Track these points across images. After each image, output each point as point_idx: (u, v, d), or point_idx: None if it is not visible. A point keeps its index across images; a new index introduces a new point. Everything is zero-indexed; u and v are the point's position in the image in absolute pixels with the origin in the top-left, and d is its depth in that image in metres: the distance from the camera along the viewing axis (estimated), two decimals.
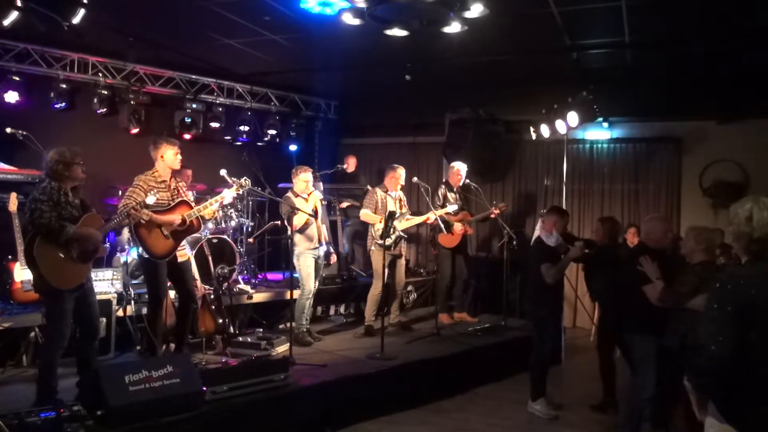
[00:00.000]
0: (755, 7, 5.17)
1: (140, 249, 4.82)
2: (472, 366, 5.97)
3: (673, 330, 4.11)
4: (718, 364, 2.34)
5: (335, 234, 8.18)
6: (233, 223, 7.37)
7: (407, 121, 9.57)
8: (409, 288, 8.01)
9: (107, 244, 4.91)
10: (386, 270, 6.43)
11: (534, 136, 7.99)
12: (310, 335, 6.15)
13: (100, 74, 7.46)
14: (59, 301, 4.11)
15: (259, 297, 6.84)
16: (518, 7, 5.40)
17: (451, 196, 7.23)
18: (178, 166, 5.05)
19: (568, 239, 5.30)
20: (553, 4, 5.25)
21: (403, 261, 6.82)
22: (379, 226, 6.44)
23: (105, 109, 7.44)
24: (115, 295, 5.60)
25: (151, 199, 4.71)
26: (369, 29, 5.25)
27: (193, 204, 5.07)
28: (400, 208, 6.72)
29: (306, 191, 6.10)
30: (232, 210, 7.30)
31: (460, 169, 7.32)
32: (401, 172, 6.68)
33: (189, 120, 8.24)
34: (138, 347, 5.57)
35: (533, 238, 5.54)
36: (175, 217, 4.84)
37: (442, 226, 6.73)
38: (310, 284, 6.06)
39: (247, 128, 8.81)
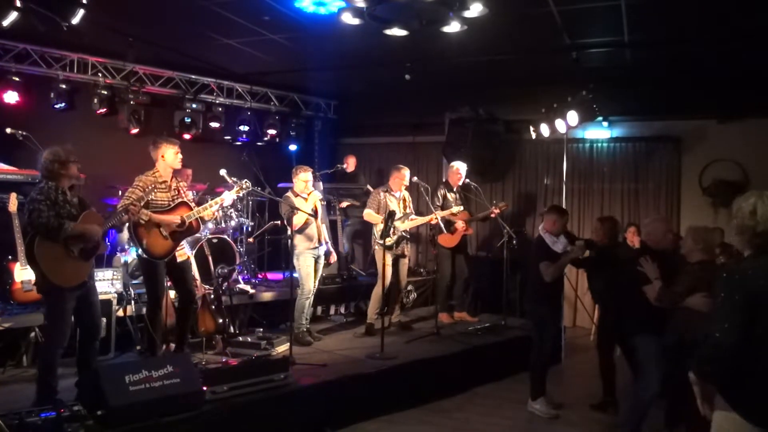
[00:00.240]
0: (755, 7, 5.17)
1: (139, 249, 4.82)
2: (472, 365, 5.97)
3: (671, 329, 4.14)
4: (722, 351, 2.35)
5: (335, 234, 8.18)
6: (233, 223, 7.37)
7: (407, 120, 9.57)
8: (410, 287, 8.01)
9: (108, 244, 4.92)
10: (389, 269, 6.43)
11: (534, 136, 7.99)
12: (310, 335, 6.15)
13: (100, 74, 7.47)
14: (61, 301, 4.12)
15: (259, 297, 6.84)
16: (518, 7, 5.40)
17: (450, 195, 7.23)
18: (179, 166, 5.05)
19: (568, 239, 5.30)
20: (553, 3, 5.24)
21: (406, 261, 6.82)
22: (381, 226, 6.46)
23: (105, 109, 7.45)
24: (116, 295, 5.60)
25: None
26: (368, 29, 5.26)
27: (193, 205, 5.07)
28: (404, 208, 6.72)
29: (306, 191, 6.10)
30: (232, 210, 7.30)
31: (459, 168, 7.32)
32: (406, 172, 6.67)
33: (189, 120, 8.25)
34: (138, 347, 5.57)
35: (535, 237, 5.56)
36: (174, 218, 4.84)
37: (443, 226, 6.73)
38: (310, 284, 6.06)
39: (246, 128, 8.81)
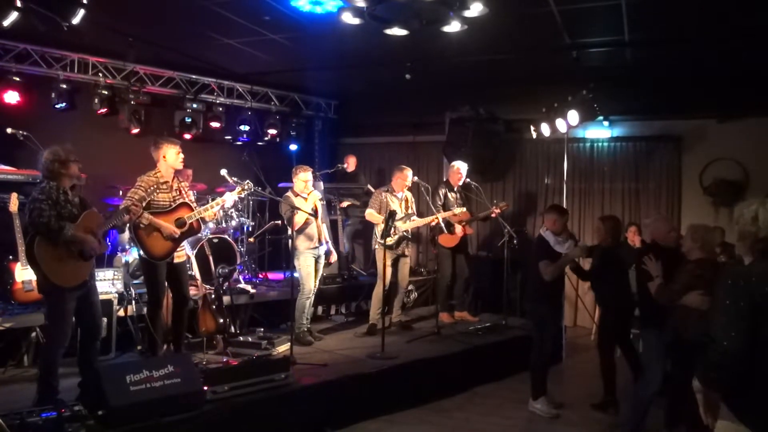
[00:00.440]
0: (755, 6, 5.16)
1: (140, 250, 4.82)
2: (473, 365, 5.96)
3: (669, 327, 4.17)
4: (731, 358, 2.35)
5: (336, 233, 8.19)
6: (234, 223, 7.38)
7: (407, 120, 9.57)
8: (410, 287, 8.01)
9: (108, 244, 4.92)
10: (390, 269, 6.44)
11: (534, 135, 7.99)
12: (310, 335, 6.15)
13: (100, 74, 7.48)
14: (61, 301, 4.12)
15: (259, 297, 6.85)
16: (518, 6, 5.39)
17: (451, 195, 7.23)
18: (180, 166, 5.05)
19: (573, 241, 5.32)
20: (553, 2, 5.24)
21: (407, 261, 6.82)
22: (382, 226, 6.47)
23: (105, 109, 7.46)
24: (116, 295, 5.61)
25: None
26: (369, 28, 5.25)
27: (194, 206, 5.07)
28: (406, 209, 6.72)
29: (305, 190, 6.10)
30: (232, 210, 7.31)
31: (460, 168, 7.32)
32: (408, 173, 6.67)
33: (189, 120, 8.26)
34: (139, 347, 5.58)
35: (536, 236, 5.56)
36: (173, 229, 4.84)
37: (443, 226, 6.73)
38: (310, 284, 6.06)
39: (247, 128, 8.82)
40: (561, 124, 7.33)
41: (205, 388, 4.07)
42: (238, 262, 7.09)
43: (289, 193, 6.09)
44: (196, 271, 6.12)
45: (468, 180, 7.34)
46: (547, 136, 7.81)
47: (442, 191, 7.21)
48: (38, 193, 4.06)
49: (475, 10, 4.78)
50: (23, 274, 5.15)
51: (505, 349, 6.36)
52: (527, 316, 5.84)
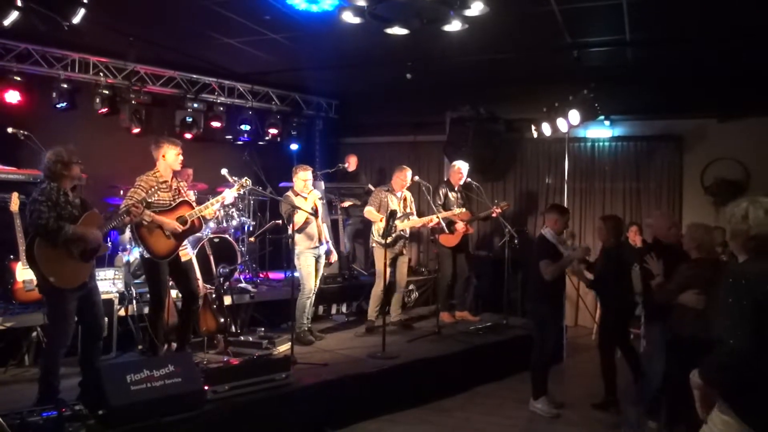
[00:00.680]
0: (756, 6, 5.16)
1: (142, 249, 4.82)
2: (474, 365, 5.96)
3: (668, 325, 4.19)
4: (738, 358, 2.35)
5: (337, 233, 8.19)
6: (234, 223, 7.38)
7: (408, 119, 9.57)
8: (411, 287, 8.01)
9: (109, 244, 4.92)
10: (388, 268, 6.43)
11: (535, 135, 7.99)
12: (311, 334, 6.15)
13: (101, 74, 7.48)
14: (62, 301, 4.11)
15: (260, 296, 6.85)
16: (519, 5, 5.39)
17: (452, 195, 7.22)
18: (179, 167, 5.05)
19: None
20: (554, 2, 5.24)
21: (405, 259, 6.82)
22: (380, 225, 6.47)
23: (106, 109, 7.46)
24: (117, 295, 5.61)
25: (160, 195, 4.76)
26: (369, 28, 5.26)
27: (194, 204, 5.07)
28: (404, 208, 6.72)
29: (305, 190, 6.10)
30: (233, 209, 7.31)
31: (461, 168, 7.31)
32: (408, 173, 6.69)
33: (190, 119, 8.26)
34: (140, 347, 5.57)
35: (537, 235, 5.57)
36: (176, 225, 4.84)
37: (444, 225, 6.72)
38: (311, 283, 6.06)
39: (248, 127, 8.82)
40: (562, 124, 7.33)
41: (206, 387, 4.06)
42: (239, 261, 7.10)
43: (290, 193, 6.09)
44: (197, 271, 6.11)
45: (469, 180, 7.34)
46: (548, 135, 7.80)
47: (442, 191, 7.21)
48: (38, 194, 4.05)
49: (475, 9, 4.78)
50: (24, 273, 5.15)
51: (506, 349, 6.36)
52: (528, 316, 5.83)
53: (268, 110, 9.19)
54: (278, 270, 8.17)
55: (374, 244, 6.66)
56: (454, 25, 5.07)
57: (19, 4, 4.40)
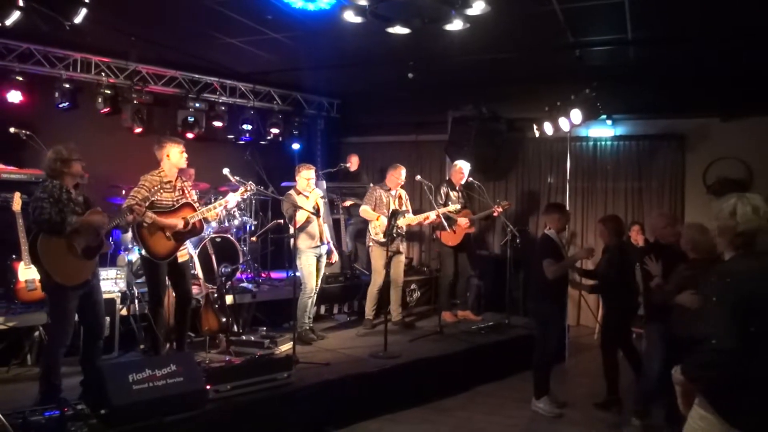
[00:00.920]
0: (757, 5, 5.14)
1: (142, 249, 4.82)
2: (475, 364, 5.96)
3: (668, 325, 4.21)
4: (722, 357, 2.35)
5: (338, 232, 8.18)
6: (236, 222, 7.39)
7: (410, 119, 9.57)
8: (413, 286, 8.01)
9: (111, 243, 4.92)
10: (387, 267, 6.45)
11: (537, 134, 7.98)
12: (313, 333, 6.16)
13: (103, 74, 7.49)
14: (63, 299, 4.13)
15: (262, 296, 6.85)
16: (520, 5, 5.38)
17: (453, 194, 7.22)
18: (184, 165, 5.04)
19: None
20: (556, 1, 5.23)
21: (402, 258, 6.81)
22: (376, 223, 6.50)
23: (108, 109, 7.48)
24: (119, 294, 5.62)
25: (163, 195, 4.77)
26: (371, 27, 5.25)
27: (197, 206, 5.07)
28: (400, 206, 6.72)
29: (308, 189, 6.10)
30: (235, 209, 7.31)
31: (462, 167, 7.31)
32: (402, 171, 6.71)
33: (192, 119, 8.27)
34: (141, 346, 5.58)
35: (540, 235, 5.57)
36: (177, 222, 4.84)
37: (445, 223, 6.72)
38: (312, 283, 6.06)
39: (249, 127, 8.83)
40: (564, 123, 7.32)
41: (208, 387, 4.07)
42: (241, 261, 7.10)
43: (292, 192, 6.10)
44: (198, 270, 6.12)
45: (470, 179, 7.33)
46: (550, 135, 7.79)
47: (443, 190, 7.21)
48: (40, 192, 4.07)
49: (477, 8, 4.77)
50: (26, 273, 5.16)
51: (508, 349, 6.36)
52: (530, 315, 5.83)
53: (270, 110, 9.19)
54: (280, 269, 8.18)
55: (371, 243, 6.67)
56: (456, 25, 5.06)
57: (21, 3, 4.40)
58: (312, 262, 6.06)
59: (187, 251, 5.27)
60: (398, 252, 6.71)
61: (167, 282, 5.06)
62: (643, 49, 6.65)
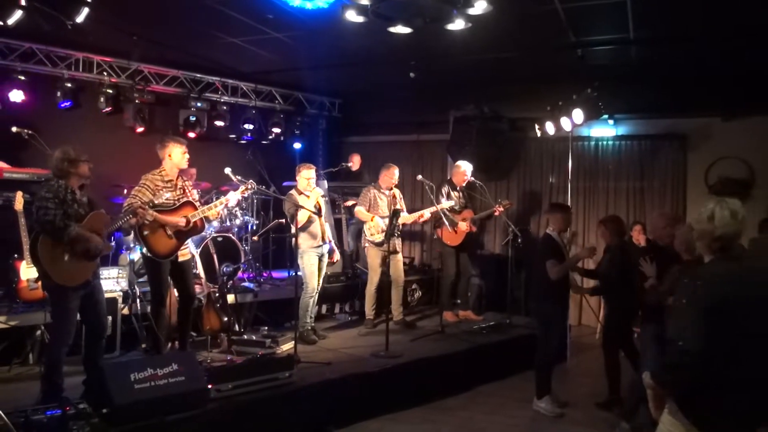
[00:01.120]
0: (759, 5, 5.13)
1: (144, 248, 4.83)
2: (477, 364, 5.96)
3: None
4: (688, 358, 2.34)
5: (340, 232, 8.18)
6: (238, 222, 7.39)
7: (411, 118, 9.57)
8: (414, 286, 8.01)
9: (113, 242, 4.93)
10: (383, 267, 6.46)
11: (539, 134, 7.98)
12: (314, 333, 6.16)
13: (105, 73, 7.50)
14: (64, 299, 4.13)
15: (263, 295, 6.85)
16: (522, 4, 5.37)
17: (454, 194, 7.22)
18: (185, 165, 5.05)
19: None
20: (557, 0, 5.22)
21: (399, 257, 6.79)
22: (371, 224, 6.52)
23: (110, 108, 7.49)
24: (121, 294, 5.62)
25: (166, 196, 4.76)
26: (372, 27, 5.25)
27: (198, 205, 5.07)
28: (394, 205, 6.72)
29: (308, 188, 6.10)
30: (237, 208, 7.31)
31: (464, 168, 7.30)
32: (395, 170, 6.73)
33: (193, 118, 8.28)
34: (143, 345, 5.59)
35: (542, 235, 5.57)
36: (179, 220, 4.84)
37: (447, 222, 6.72)
38: (313, 282, 6.06)
39: (251, 126, 8.84)
40: (566, 123, 7.31)
41: (209, 386, 4.07)
42: (243, 260, 7.10)
43: (293, 191, 6.10)
44: (200, 270, 6.13)
45: (472, 179, 7.33)
46: (552, 134, 7.79)
47: (444, 190, 7.21)
48: (45, 192, 4.08)
49: (479, 8, 4.77)
50: (28, 272, 5.17)
51: (509, 348, 6.36)
52: (532, 315, 5.83)
53: (272, 109, 9.20)
54: (281, 269, 8.18)
55: (366, 244, 6.68)
56: (458, 24, 5.06)
57: (23, 3, 4.42)
58: (314, 261, 6.06)
59: (189, 250, 5.27)
60: (394, 251, 6.71)
61: (170, 281, 5.07)
62: (645, 48, 6.64)
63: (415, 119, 9.56)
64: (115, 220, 4.43)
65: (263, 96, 9.13)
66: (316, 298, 6.23)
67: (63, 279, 4.08)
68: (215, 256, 6.38)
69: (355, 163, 8.96)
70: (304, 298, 6.04)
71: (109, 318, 5.13)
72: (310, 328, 6.13)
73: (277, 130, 9.11)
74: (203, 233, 5.73)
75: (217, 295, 5.76)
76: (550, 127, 7.68)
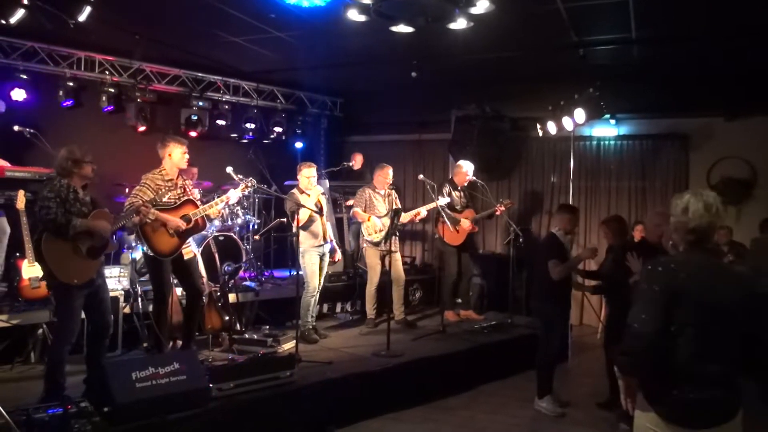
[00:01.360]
0: (762, 4, 5.13)
1: (145, 247, 4.83)
2: (478, 363, 5.96)
3: None
4: (640, 342, 2.36)
5: (341, 231, 8.18)
6: (240, 221, 7.39)
7: (413, 118, 9.56)
8: (415, 285, 8.01)
9: (115, 241, 4.93)
10: (382, 266, 6.45)
11: (540, 133, 7.98)
12: (316, 332, 6.16)
13: (107, 72, 7.51)
14: (69, 298, 4.14)
15: (265, 294, 6.86)
16: (524, 4, 5.37)
17: (455, 194, 7.21)
18: (185, 165, 5.05)
19: None
20: (560, 0, 5.22)
21: (398, 256, 6.77)
22: (368, 224, 6.53)
23: (112, 107, 7.50)
24: (122, 292, 5.63)
25: (168, 196, 4.76)
26: (374, 26, 5.26)
27: (199, 203, 5.07)
28: (390, 205, 6.72)
29: (309, 187, 6.10)
30: (238, 207, 7.32)
31: (465, 168, 7.30)
32: (388, 170, 6.76)
33: (195, 117, 8.28)
34: (144, 344, 5.60)
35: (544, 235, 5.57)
36: (180, 222, 4.85)
37: (447, 220, 6.72)
38: (315, 281, 6.07)
39: (253, 126, 8.84)
40: (567, 122, 7.31)
41: (211, 385, 4.07)
42: (244, 259, 7.11)
43: (295, 190, 6.11)
44: (202, 269, 6.11)
45: (474, 178, 7.32)
46: (554, 134, 7.79)
47: (446, 189, 7.20)
48: (47, 191, 4.09)
49: (481, 7, 4.77)
50: (30, 271, 5.16)
51: (511, 348, 6.35)
52: (534, 315, 5.82)
53: (273, 108, 9.20)
54: (283, 268, 8.19)
55: (365, 244, 6.68)
56: (460, 23, 5.06)
57: (26, 2, 4.42)
58: (315, 260, 6.06)
59: (192, 249, 5.27)
60: (394, 251, 6.70)
61: (174, 280, 5.06)
62: (647, 48, 6.63)
63: (416, 119, 9.55)
64: (118, 218, 4.44)
65: (265, 95, 9.14)
66: (318, 297, 6.23)
67: (67, 277, 4.09)
68: (217, 255, 6.39)
69: (357, 162, 8.96)
70: (306, 297, 6.04)
71: (112, 317, 5.14)
72: (311, 327, 6.13)
73: (278, 129, 9.11)
74: (205, 232, 5.74)
75: (218, 294, 5.76)
76: (551, 127, 7.67)
